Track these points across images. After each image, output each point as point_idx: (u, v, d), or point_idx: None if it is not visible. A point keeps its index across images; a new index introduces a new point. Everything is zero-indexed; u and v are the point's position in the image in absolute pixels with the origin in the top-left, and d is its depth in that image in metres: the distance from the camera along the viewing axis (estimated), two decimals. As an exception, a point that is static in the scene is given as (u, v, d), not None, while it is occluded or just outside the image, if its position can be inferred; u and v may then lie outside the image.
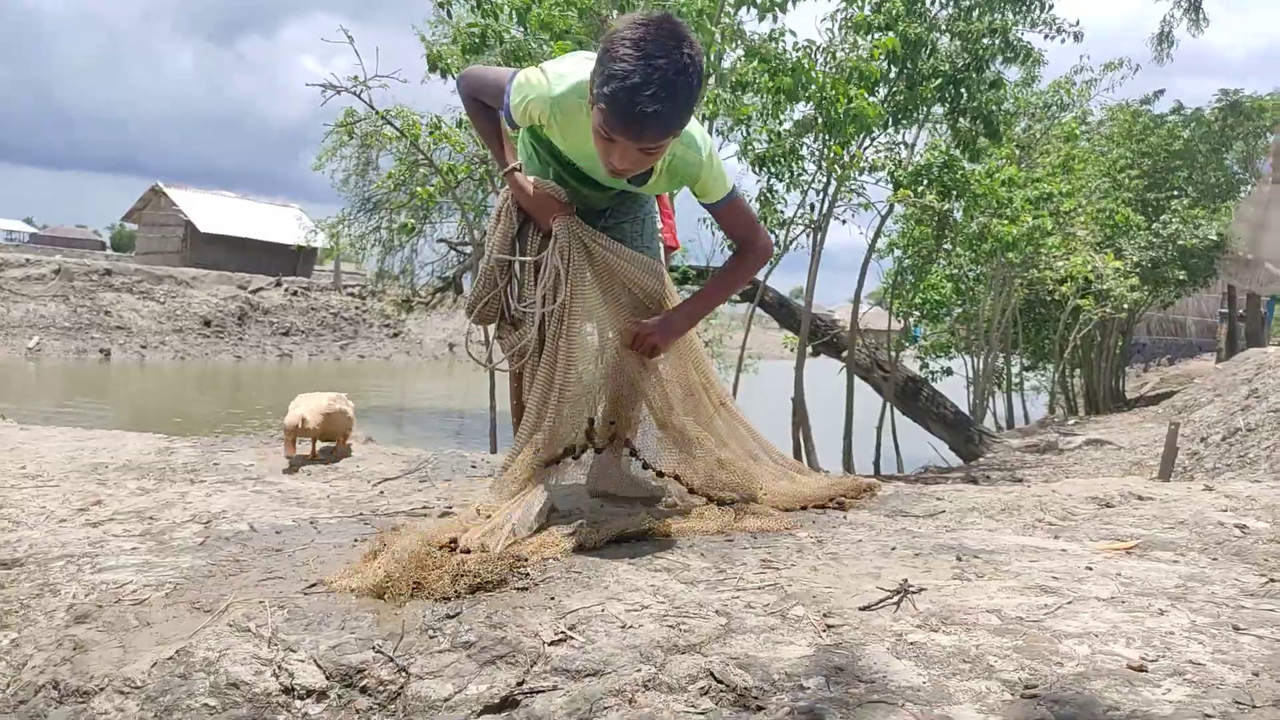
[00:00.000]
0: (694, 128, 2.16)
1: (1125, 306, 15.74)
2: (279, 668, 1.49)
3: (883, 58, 6.85)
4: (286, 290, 29.86)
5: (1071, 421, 15.24)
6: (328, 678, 1.49)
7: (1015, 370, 18.52)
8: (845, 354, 10.50)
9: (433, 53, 6.15)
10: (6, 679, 1.62)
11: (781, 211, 7.45)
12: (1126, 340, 22.05)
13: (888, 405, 11.27)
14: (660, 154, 2.03)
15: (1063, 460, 9.00)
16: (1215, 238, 16.99)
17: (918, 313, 11.99)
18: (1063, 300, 14.76)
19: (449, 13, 6.63)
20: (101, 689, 1.51)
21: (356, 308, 30.63)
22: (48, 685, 1.56)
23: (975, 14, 7.38)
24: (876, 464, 10.87)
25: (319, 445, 3.33)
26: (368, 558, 1.85)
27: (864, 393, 11.38)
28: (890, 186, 7.88)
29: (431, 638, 1.56)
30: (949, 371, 14.42)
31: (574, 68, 2.12)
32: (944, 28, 7.44)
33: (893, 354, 11.58)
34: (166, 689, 1.48)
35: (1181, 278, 17.13)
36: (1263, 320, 23.84)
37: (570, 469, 2.39)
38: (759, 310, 11.39)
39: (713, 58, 6.08)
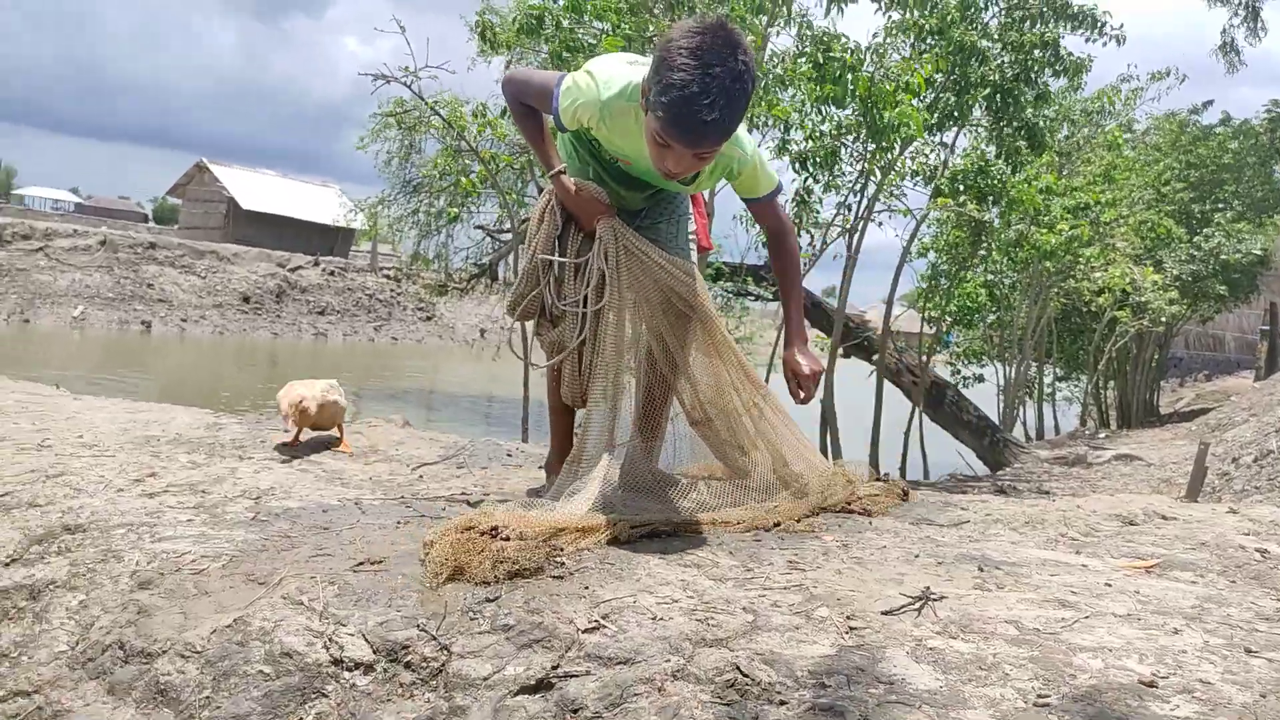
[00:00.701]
0: (741, 132, 2.23)
1: (1163, 320, 15.56)
2: (330, 640, 1.59)
3: (930, 67, 6.85)
4: (324, 270, 30.26)
5: (1102, 435, 15.10)
6: (374, 652, 1.58)
7: (1048, 380, 18.37)
8: (876, 357, 10.50)
9: (485, 22, 6.20)
10: (75, 637, 1.73)
11: (818, 213, 7.48)
12: (1163, 354, 21.76)
13: (916, 410, 11.26)
14: (713, 158, 2.10)
15: (1090, 474, 8.96)
16: (1259, 253, 16.72)
17: (950, 318, 11.94)
18: (1099, 311, 14.62)
19: None
20: (164, 651, 1.61)
21: (391, 290, 30.97)
22: (114, 645, 1.66)
23: (1027, 25, 7.33)
24: (903, 469, 10.87)
25: (308, 434, 3.24)
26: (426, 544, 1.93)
27: (894, 397, 11.38)
28: (928, 192, 7.87)
29: (472, 619, 1.65)
30: (980, 379, 14.35)
31: (620, 71, 2.19)
32: (996, 36, 7.40)
33: (924, 358, 11.56)
34: (225, 655, 1.58)
35: (1222, 292, 16.88)
36: (1305, 339, 23.42)
37: (606, 466, 2.47)
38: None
39: (762, 55, 6.12)
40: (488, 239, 12.43)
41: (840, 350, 10.03)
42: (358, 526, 2.17)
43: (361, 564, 1.86)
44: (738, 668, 1.48)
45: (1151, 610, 1.77)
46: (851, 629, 1.62)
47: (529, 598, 1.72)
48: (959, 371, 14.35)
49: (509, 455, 3.38)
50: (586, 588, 1.78)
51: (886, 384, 10.76)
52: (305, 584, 1.74)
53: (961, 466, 11.66)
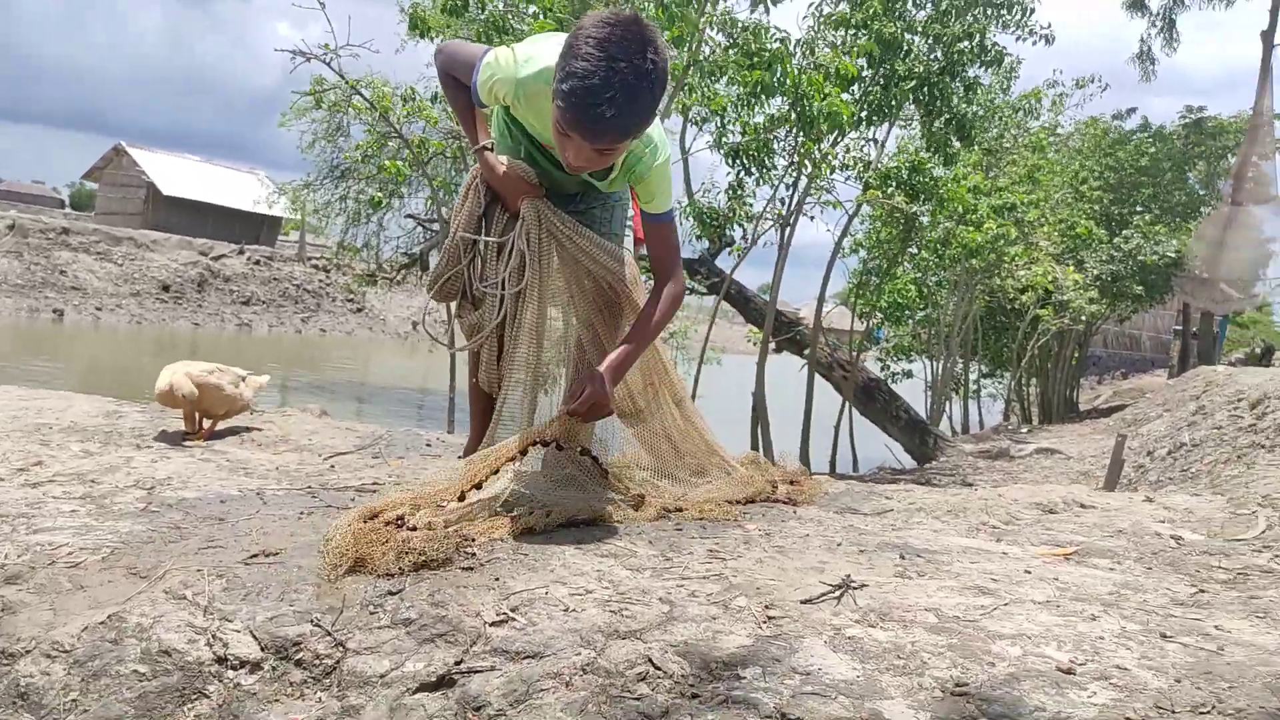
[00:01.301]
0: (657, 132, 2.16)
1: (1083, 319, 16.04)
2: (213, 637, 1.48)
3: (861, 59, 6.90)
4: (249, 259, 29.39)
5: (1025, 430, 15.51)
6: (263, 649, 1.47)
7: (974, 377, 18.80)
8: (807, 352, 10.58)
9: (414, 11, 6.08)
10: (-70, 639, 1.58)
11: (750, 205, 7.48)
12: (1083, 352, 22.48)
13: (847, 405, 11.39)
14: (616, 155, 2.03)
15: (1013, 467, 9.16)
16: (1174, 255, 17.34)
17: (880, 314, 12.11)
18: (1023, 309, 15.00)
19: None
20: (28, 651, 1.48)
21: (320, 280, 30.25)
22: (-28, 646, 1.52)
23: (952, 17, 7.45)
24: (833, 462, 10.99)
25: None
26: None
27: (824, 392, 11.49)
28: (859, 186, 7.94)
29: (372, 614, 1.55)
30: (909, 374, 14.62)
31: (542, 51, 2.10)
32: (921, 29, 7.50)
33: (854, 354, 11.69)
34: (96, 654, 1.45)
35: (1139, 293, 17.47)
36: (1215, 339, 24.38)
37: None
38: (731, 306, 11.43)
39: (694, 46, 6.08)
40: (419, 229, 12.17)
41: (772, 344, 10.08)
42: (256, 517, 2.05)
43: (255, 556, 1.75)
44: (650, 660, 1.41)
45: (1070, 597, 1.76)
46: (770, 619, 1.57)
47: (434, 590, 1.62)
48: (888, 367, 14.59)
49: (428, 445, 3.27)
50: (497, 579, 1.70)
51: (818, 379, 10.86)
52: (190, 577, 1.62)
53: (890, 460, 11.84)
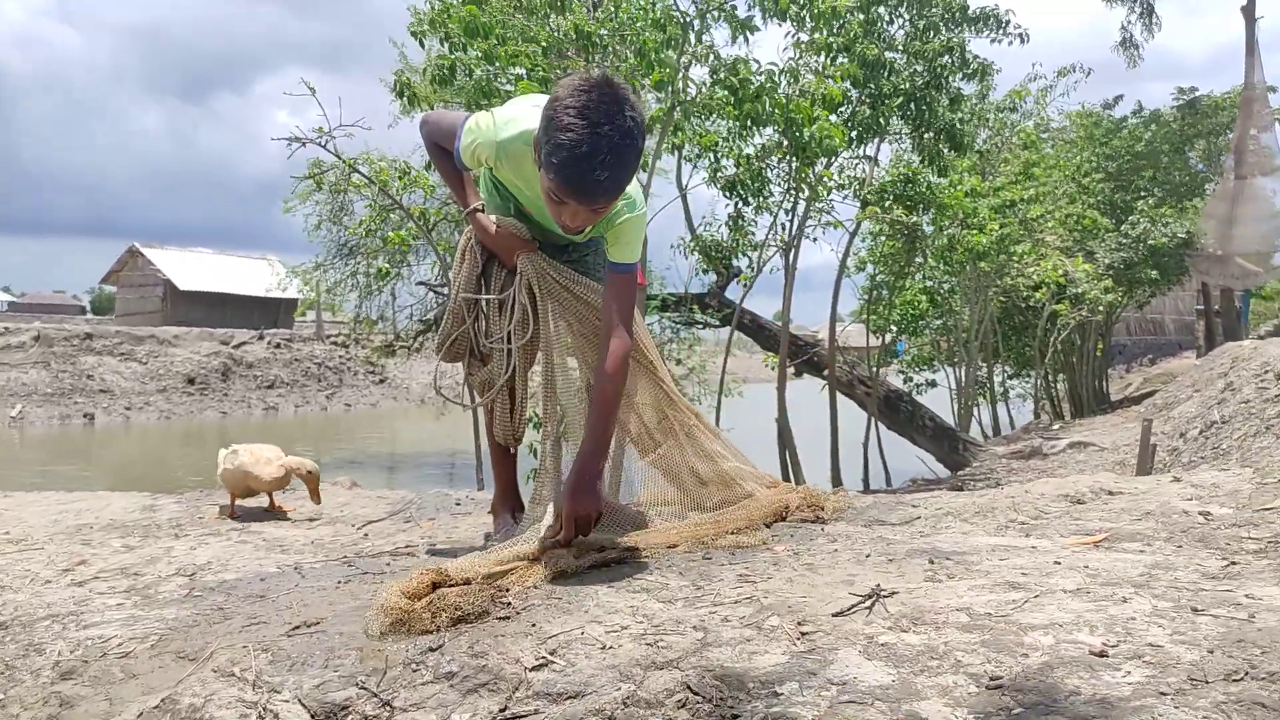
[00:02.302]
0: (633, 186, 2.20)
1: (1101, 309, 15.94)
2: (264, 710, 1.51)
3: (845, 81, 7.00)
4: (269, 343, 29.79)
5: (1056, 426, 15.36)
6: (312, 716, 1.51)
7: (999, 379, 18.67)
8: (826, 372, 10.58)
9: (401, 79, 6.24)
10: (-6, 740, 1.63)
11: (752, 234, 7.55)
12: (1106, 342, 22.27)
13: (873, 421, 11.34)
14: (608, 210, 2.10)
15: (1047, 464, 9.07)
16: (1184, 235, 17.25)
17: (896, 327, 12.11)
18: (1039, 306, 14.94)
19: (421, 43, 6.74)
20: (89, 742, 1.52)
21: (340, 356, 30.57)
22: (35, 743, 1.57)
23: (931, 34, 7.56)
24: (866, 479, 10.92)
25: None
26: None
27: (850, 410, 11.46)
28: (858, 204, 8.01)
29: (414, 671, 1.59)
30: (933, 384, 14.55)
31: (522, 113, 2.18)
32: (902, 48, 7.62)
33: (874, 369, 11.67)
34: (153, 738, 1.50)
35: (1154, 277, 17.36)
36: (1238, 315, 24.12)
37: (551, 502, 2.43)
38: (745, 336, 11.48)
39: (679, 85, 6.21)
40: (430, 295, 12.34)
41: (791, 368, 10.09)
42: (295, 591, 2.10)
43: (297, 628, 1.79)
44: (688, 686, 1.43)
45: (1101, 582, 1.77)
46: (803, 634, 1.59)
47: (473, 642, 1.66)
48: (911, 379, 14.53)
49: (458, 504, 3.32)
50: (533, 625, 1.73)
51: (842, 397, 10.84)
52: (236, 655, 1.66)
53: (923, 471, 11.75)
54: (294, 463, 3.08)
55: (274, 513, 3.20)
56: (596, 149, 1.87)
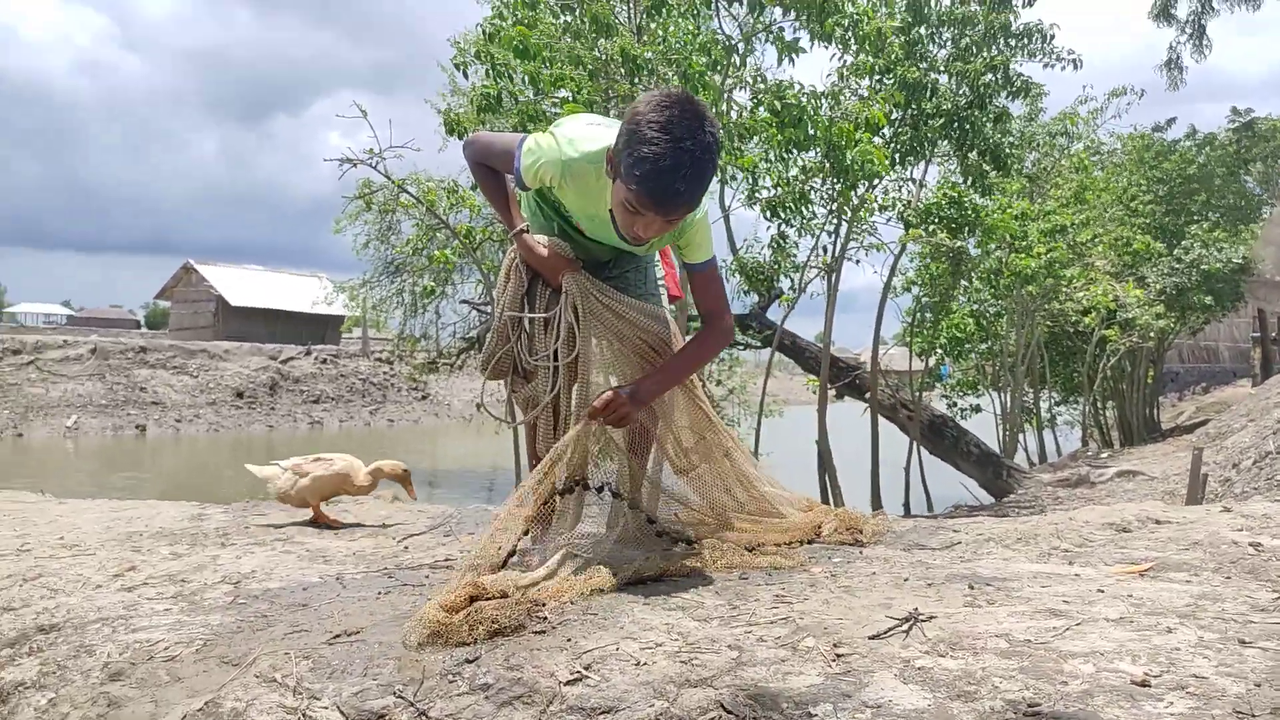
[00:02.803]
0: None
1: (1152, 335, 15.59)
2: (303, 715, 1.54)
3: (888, 104, 6.98)
4: (316, 359, 30.31)
5: (1105, 454, 15.03)
6: (351, 723, 1.53)
7: (1046, 405, 18.32)
8: (869, 395, 10.48)
9: (450, 117, 6.36)
10: (45, 738, 1.68)
11: (794, 256, 7.54)
12: (1158, 369, 21.77)
13: (914, 445, 11.20)
14: (679, 223, 2.14)
15: (1094, 493, 8.88)
16: (1240, 260, 16.83)
17: (940, 350, 11.96)
18: (1088, 331, 14.67)
19: (465, 74, 6.87)
20: (135, 743, 1.56)
21: (385, 373, 31.00)
22: (84, 742, 1.61)
23: (974, 52, 7.52)
24: (906, 504, 10.77)
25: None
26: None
27: (892, 434, 11.33)
28: (901, 226, 7.96)
29: (451, 682, 1.61)
30: (977, 409, 14.33)
31: (583, 132, 2.24)
32: (943, 68, 7.58)
33: (917, 393, 11.53)
34: (197, 740, 1.53)
35: (1208, 303, 16.94)
36: (1296, 342, 23.48)
37: (586, 519, 2.44)
38: (786, 357, 11.42)
39: (725, 109, 6.25)
40: (474, 313, 12.49)
41: (833, 391, 10.02)
42: (337, 601, 2.13)
43: (338, 636, 1.82)
44: (721, 705, 1.43)
45: (1145, 612, 1.74)
46: (838, 656, 1.58)
47: (509, 655, 1.68)
48: (955, 404, 14.33)
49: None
50: (569, 640, 1.75)
51: (884, 421, 10.72)
52: (278, 661, 1.69)
53: (965, 497, 11.56)
54: (386, 466, 3.26)
55: (324, 524, 3.25)
56: (679, 163, 1.93)
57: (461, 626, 1.77)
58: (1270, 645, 1.49)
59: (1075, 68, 8.18)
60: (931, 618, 1.73)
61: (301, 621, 1.96)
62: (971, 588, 1.97)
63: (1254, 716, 1.24)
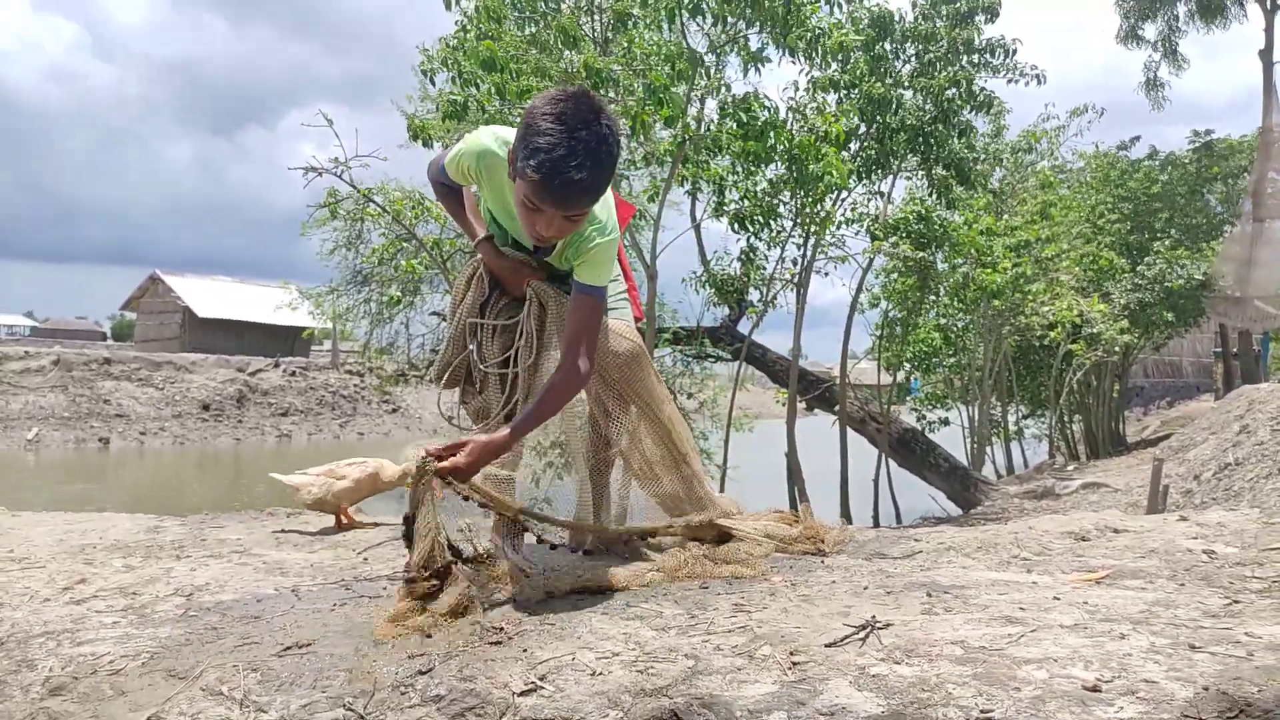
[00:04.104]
0: (605, 210, 2.20)
1: (1116, 350, 15.81)
2: (249, 729, 1.51)
3: (853, 117, 7.05)
4: (284, 371, 29.97)
5: (1070, 467, 15.19)
6: (298, 737, 1.50)
7: (1014, 419, 18.50)
8: (838, 407, 10.54)
9: (414, 122, 6.34)
10: (-19, 754, 1.63)
11: (763, 269, 7.57)
12: (1123, 384, 22.06)
13: (883, 457, 11.27)
14: (582, 221, 2.09)
15: (1060, 505, 8.97)
16: (1201, 277, 17.13)
17: (909, 364, 12.06)
18: (1054, 346, 14.85)
19: (433, 81, 6.85)
20: (74, 758, 1.52)
21: (355, 385, 30.69)
22: (22, 758, 1.57)
23: (938, 67, 7.61)
24: (875, 516, 10.82)
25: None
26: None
27: (862, 447, 11.38)
28: (868, 239, 8.03)
29: (402, 694, 1.58)
30: (945, 422, 14.45)
31: (506, 130, 2.22)
32: (907, 83, 7.66)
33: (886, 406, 11.61)
34: (138, 755, 1.49)
35: (1170, 319, 17.22)
36: (1257, 358, 23.92)
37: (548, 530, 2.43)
38: (758, 371, 11.45)
39: (688, 122, 6.27)
40: (443, 325, 12.40)
41: (803, 404, 10.05)
42: (290, 613, 2.09)
43: (289, 648, 1.79)
44: (676, 714, 1.42)
45: (1099, 619, 1.75)
46: (794, 664, 1.57)
47: (463, 666, 1.65)
48: (924, 417, 14.44)
49: (459, 531, 3.30)
50: (525, 650, 1.72)
51: (854, 434, 10.77)
52: (225, 674, 1.66)
53: (934, 509, 11.64)
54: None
55: (349, 525, 3.34)
56: (573, 151, 1.89)
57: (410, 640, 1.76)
58: (1220, 650, 1.51)
59: (1039, 83, 8.32)
60: (888, 625, 1.73)
61: (252, 634, 1.92)
62: (929, 595, 1.97)
63: (1201, 719, 1.24)
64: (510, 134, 2.17)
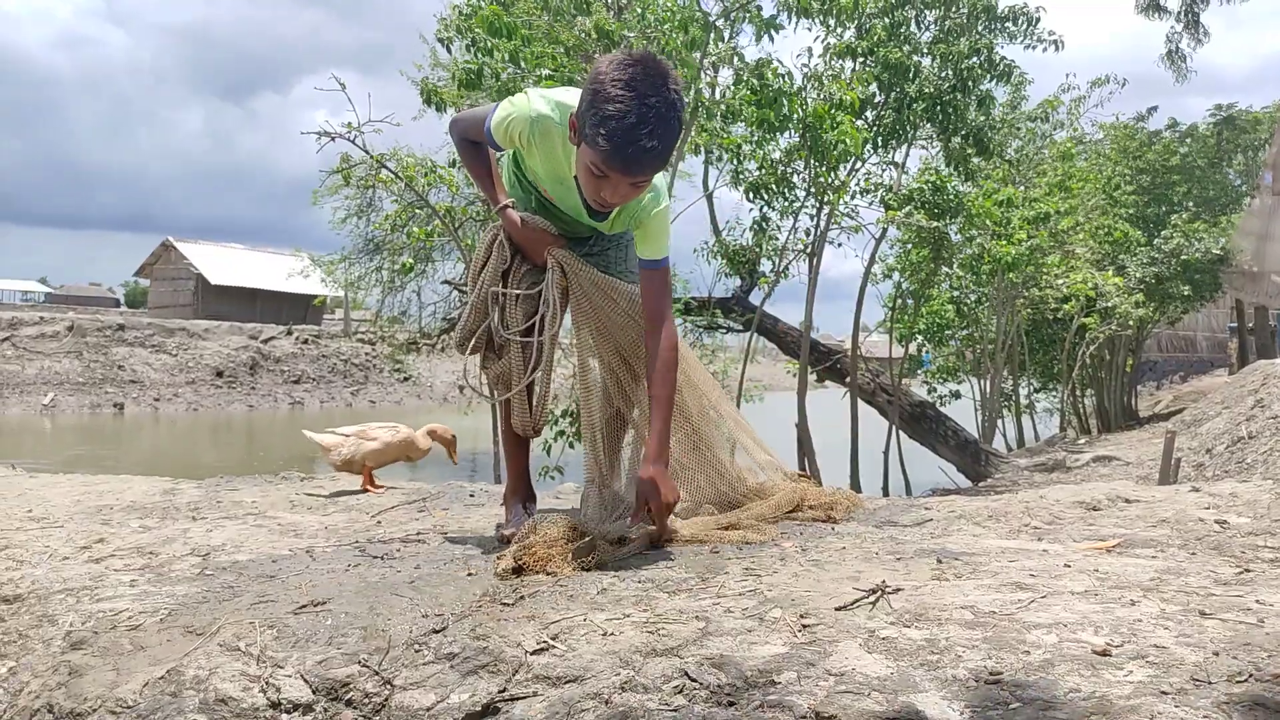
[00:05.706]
0: (658, 178, 2.21)
1: (1131, 323, 15.71)
2: (266, 684, 1.53)
3: (870, 84, 6.97)
4: (297, 338, 30.11)
5: (1082, 441, 15.17)
6: (314, 692, 1.52)
7: (1025, 392, 18.45)
8: (849, 379, 10.53)
9: (427, 87, 6.31)
10: (3, 705, 1.66)
11: (776, 239, 7.53)
12: (1136, 358, 21.95)
13: (894, 430, 11.27)
14: (646, 186, 2.09)
15: (1070, 478, 8.96)
16: (1219, 251, 16.96)
17: (921, 336, 12.01)
18: (1067, 319, 14.77)
19: (449, 49, 6.80)
20: (94, 710, 1.55)
21: (366, 354, 30.83)
22: (42, 709, 1.60)
23: (957, 35, 7.50)
24: (885, 488, 10.84)
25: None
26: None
27: (873, 419, 11.38)
28: (881, 209, 7.97)
29: (416, 651, 1.60)
30: (957, 395, 14.42)
31: (556, 94, 2.19)
32: (926, 50, 7.57)
33: (898, 378, 11.59)
34: (157, 707, 1.52)
35: (1186, 293, 17.08)
36: (1272, 333, 23.71)
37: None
38: (769, 342, 11.43)
39: (701, 89, 6.20)
40: (455, 293, 12.38)
41: (814, 375, 10.04)
42: (305, 573, 2.12)
43: (304, 606, 1.81)
44: (686, 673, 1.43)
45: (1109, 586, 1.75)
46: (804, 627, 1.58)
47: (476, 625, 1.67)
48: (935, 390, 14.42)
49: (471, 496, 3.33)
50: (537, 610, 1.74)
51: (865, 406, 10.77)
52: (242, 630, 1.68)
53: (944, 481, 11.65)
54: (439, 429, 3.46)
55: (371, 490, 3.40)
56: (644, 119, 1.87)
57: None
58: (1230, 617, 1.51)
59: (1057, 49, 8.20)
60: (898, 590, 1.73)
61: (268, 592, 1.95)
62: (940, 562, 1.98)
63: (1210, 683, 1.25)
64: (560, 96, 2.15)
